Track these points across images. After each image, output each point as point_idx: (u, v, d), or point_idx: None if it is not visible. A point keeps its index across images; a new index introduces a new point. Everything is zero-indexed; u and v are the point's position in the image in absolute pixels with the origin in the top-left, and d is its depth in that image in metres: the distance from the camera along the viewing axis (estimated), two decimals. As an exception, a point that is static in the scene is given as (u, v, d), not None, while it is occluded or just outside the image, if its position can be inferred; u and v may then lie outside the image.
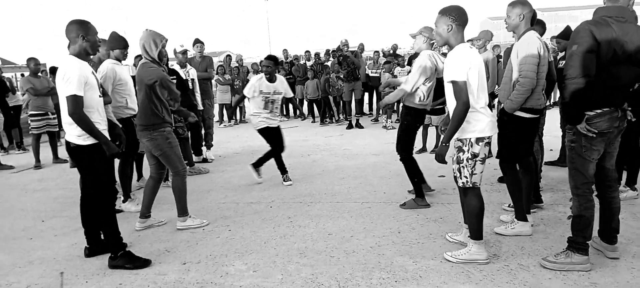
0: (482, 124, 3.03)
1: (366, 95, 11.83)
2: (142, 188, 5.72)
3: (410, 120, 4.45)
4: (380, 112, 10.84)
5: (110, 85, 4.51)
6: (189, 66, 6.69)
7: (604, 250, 3.18)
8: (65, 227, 4.43)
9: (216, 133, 8.11)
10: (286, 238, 3.86)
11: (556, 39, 6.04)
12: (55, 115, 7.70)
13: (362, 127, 9.89)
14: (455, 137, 3.09)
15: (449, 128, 3.03)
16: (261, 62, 5.74)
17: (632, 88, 2.96)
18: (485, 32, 6.50)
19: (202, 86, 7.07)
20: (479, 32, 6.62)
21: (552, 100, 11.23)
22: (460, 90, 2.93)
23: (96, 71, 4.06)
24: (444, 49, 10.18)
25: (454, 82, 2.96)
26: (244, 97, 5.80)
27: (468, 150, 3.06)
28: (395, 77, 10.37)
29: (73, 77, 3.12)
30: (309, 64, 12.22)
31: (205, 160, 7.06)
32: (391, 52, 12.69)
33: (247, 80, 11.47)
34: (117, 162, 4.38)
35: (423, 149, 7.08)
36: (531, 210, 3.86)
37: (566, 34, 4.84)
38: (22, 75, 13.98)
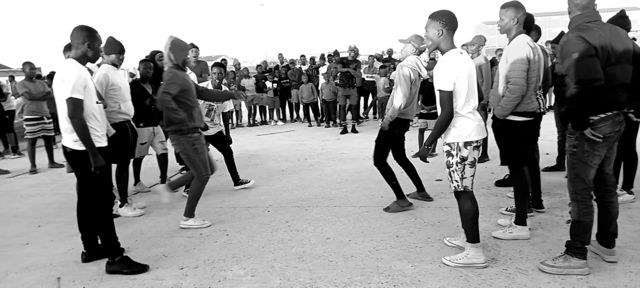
0: (469, 128, 3.07)
1: (361, 99, 11.84)
2: (139, 192, 5.71)
3: (392, 127, 4.45)
4: (376, 115, 10.87)
5: (102, 91, 4.48)
6: (188, 70, 6.68)
7: (602, 254, 3.20)
8: (61, 233, 4.40)
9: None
10: (284, 243, 3.85)
11: (551, 43, 6.09)
12: (51, 120, 7.66)
13: (357, 132, 9.90)
14: (444, 141, 3.15)
15: (432, 133, 3.16)
16: (212, 67, 5.60)
17: (634, 85, 2.99)
18: (478, 37, 6.54)
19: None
20: (473, 36, 6.66)
21: (547, 105, 11.29)
22: (446, 99, 3.01)
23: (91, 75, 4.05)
24: (430, 54, 10.15)
25: (440, 91, 3.03)
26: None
27: (456, 154, 3.09)
28: (392, 81, 10.41)
29: (72, 80, 3.11)
30: (304, 68, 12.23)
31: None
32: (387, 56, 12.73)
33: (242, 86, 11.50)
34: (114, 166, 4.37)
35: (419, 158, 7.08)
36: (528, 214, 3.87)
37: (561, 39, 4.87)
38: (10, 78, 13.80)
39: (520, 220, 3.67)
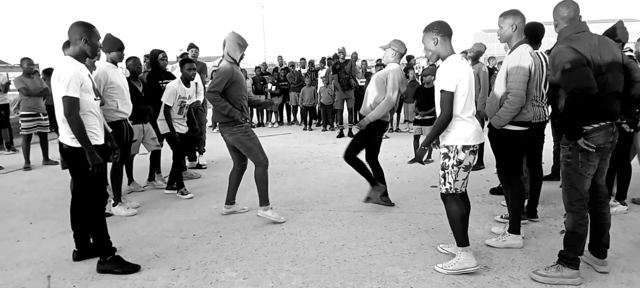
0: (468, 132, 3.09)
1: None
2: (132, 191, 5.69)
3: (371, 128, 4.50)
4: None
5: (100, 88, 4.47)
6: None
7: (594, 264, 3.20)
8: (54, 230, 4.38)
9: (208, 138, 8.07)
10: (277, 246, 3.84)
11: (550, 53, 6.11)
12: (47, 116, 7.63)
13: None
14: (443, 144, 3.15)
15: (430, 133, 3.18)
16: (184, 64, 5.60)
17: (628, 94, 3.02)
18: (478, 44, 6.57)
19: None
20: (472, 44, 6.69)
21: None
22: (446, 100, 3.03)
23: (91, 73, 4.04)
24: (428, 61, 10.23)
25: (442, 91, 3.05)
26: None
27: (454, 157, 3.11)
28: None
29: (68, 78, 3.10)
30: (303, 71, 12.24)
31: (199, 166, 7.02)
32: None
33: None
34: (109, 165, 4.35)
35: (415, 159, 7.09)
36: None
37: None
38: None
39: (514, 229, 3.68)
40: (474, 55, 6.35)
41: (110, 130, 4.05)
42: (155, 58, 6.06)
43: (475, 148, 3.15)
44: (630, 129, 3.57)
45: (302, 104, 11.44)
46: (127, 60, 5.56)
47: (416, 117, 7.31)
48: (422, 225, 4.25)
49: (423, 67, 11.94)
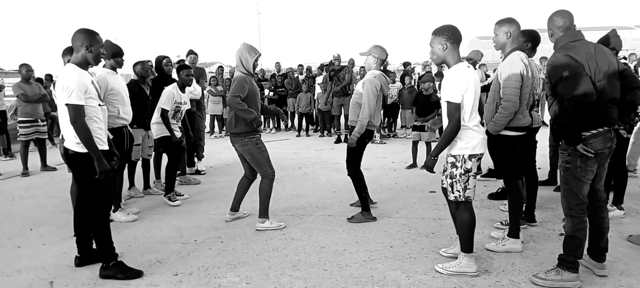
0: (474, 141, 3.12)
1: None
2: (132, 197, 5.69)
3: (362, 136, 4.49)
4: None
5: (101, 95, 4.48)
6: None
7: (593, 268, 3.24)
8: (54, 236, 4.37)
9: (207, 144, 8.09)
10: (279, 251, 3.85)
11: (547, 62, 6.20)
12: (45, 123, 7.63)
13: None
14: (448, 153, 3.18)
15: (439, 144, 3.18)
16: (182, 69, 5.61)
17: (624, 101, 3.07)
18: (475, 52, 6.66)
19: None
20: (469, 51, 6.77)
21: (541, 120, 11.43)
22: (454, 111, 3.05)
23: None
24: (424, 68, 10.27)
25: (448, 102, 3.06)
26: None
27: (461, 166, 3.14)
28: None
29: (72, 86, 3.12)
30: (301, 77, 12.28)
31: (198, 172, 7.03)
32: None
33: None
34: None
35: (413, 165, 7.14)
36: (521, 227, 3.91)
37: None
38: None
39: (513, 233, 3.71)
40: (472, 63, 6.42)
41: (111, 136, 4.06)
42: (160, 64, 6.17)
43: (481, 157, 3.20)
44: (628, 135, 3.63)
45: (298, 111, 11.45)
46: (135, 64, 5.61)
47: (415, 123, 7.36)
48: (422, 229, 4.28)
49: (419, 74, 12.02)
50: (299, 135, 11.24)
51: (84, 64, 3.31)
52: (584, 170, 2.96)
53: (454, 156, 3.16)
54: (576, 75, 2.80)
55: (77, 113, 3.13)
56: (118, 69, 4.80)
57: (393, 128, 11.02)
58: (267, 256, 3.76)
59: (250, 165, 4.46)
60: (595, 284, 3.12)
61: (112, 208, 4.79)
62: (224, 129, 11.94)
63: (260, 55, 4.36)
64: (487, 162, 5.94)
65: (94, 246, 3.54)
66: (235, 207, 4.68)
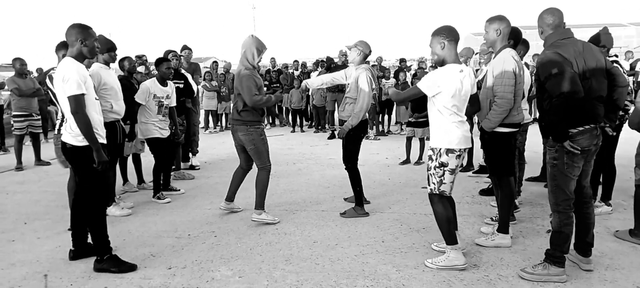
0: (452, 135, 3.20)
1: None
2: (126, 192, 5.71)
3: (357, 131, 4.56)
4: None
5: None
6: (182, 71, 6.76)
7: (579, 263, 3.31)
8: (48, 230, 4.39)
9: (202, 139, 8.11)
10: (272, 245, 3.90)
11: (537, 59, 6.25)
12: (39, 117, 7.62)
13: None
14: (429, 146, 3.33)
15: (401, 94, 3.47)
16: (161, 63, 5.43)
17: (611, 99, 3.13)
18: (467, 49, 6.70)
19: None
20: (461, 48, 6.81)
21: (532, 116, 11.51)
22: (411, 92, 3.37)
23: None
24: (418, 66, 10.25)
25: (415, 87, 3.27)
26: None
27: (436, 159, 3.24)
28: (381, 89, 10.54)
29: (72, 77, 3.15)
30: (296, 73, 12.30)
31: (192, 167, 7.05)
32: (377, 64, 12.86)
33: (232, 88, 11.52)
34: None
35: (407, 161, 7.20)
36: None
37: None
38: None
39: (503, 229, 3.78)
40: (464, 60, 6.47)
41: (104, 130, 4.08)
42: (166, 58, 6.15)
43: (461, 153, 3.25)
44: (613, 132, 3.71)
45: (291, 106, 11.47)
46: (122, 60, 5.60)
47: (410, 119, 7.41)
48: (414, 225, 4.34)
49: (415, 70, 12.06)
50: (293, 131, 11.27)
51: (80, 58, 3.33)
52: (571, 167, 3.02)
53: (432, 149, 3.28)
54: (564, 72, 2.85)
55: (78, 104, 3.17)
56: (111, 64, 4.81)
57: (387, 124, 11.07)
58: (260, 250, 3.80)
59: (247, 156, 4.49)
60: (581, 278, 3.19)
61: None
62: (219, 124, 11.96)
63: (266, 49, 4.37)
64: (478, 158, 6.02)
65: (89, 240, 3.58)
66: (230, 197, 4.71)
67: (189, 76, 6.67)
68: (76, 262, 3.61)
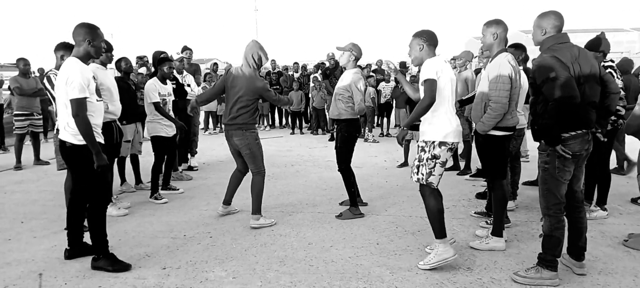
0: (446, 129, 3.27)
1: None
2: (124, 192, 5.73)
3: (351, 131, 4.62)
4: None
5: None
6: (185, 72, 6.79)
7: (572, 267, 3.31)
8: (45, 230, 4.41)
9: (201, 140, 8.13)
10: (266, 247, 3.91)
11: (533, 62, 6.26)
12: (41, 116, 7.67)
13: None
14: (421, 138, 3.36)
15: (411, 116, 3.34)
16: (164, 62, 5.45)
17: (602, 105, 3.15)
18: (466, 52, 6.72)
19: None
20: (461, 52, 6.83)
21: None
22: (428, 88, 3.22)
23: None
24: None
25: (425, 81, 3.24)
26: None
27: (429, 151, 3.30)
28: (379, 91, 10.57)
29: (76, 80, 3.16)
30: (296, 75, 12.32)
31: (191, 168, 7.07)
32: (376, 67, 12.88)
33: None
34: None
35: (405, 164, 7.21)
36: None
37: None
38: None
39: (497, 232, 3.78)
40: (462, 63, 6.49)
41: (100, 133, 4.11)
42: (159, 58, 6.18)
43: (453, 146, 3.31)
44: (604, 138, 3.72)
45: (290, 108, 11.48)
46: (118, 61, 5.62)
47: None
48: (409, 227, 4.35)
49: (413, 75, 12.09)
50: (292, 133, 11.29)
51: (86, 58, 3.35)
52: (562, 171, 3.03)
53: (425, 141, 3.32)
54: (562, 76, 2.86)
55: (80, 107, 3.18)
56: (108, 64, 4.84)
57: (387, 127, 11.09)
58: (254, 251, 3.81)
59: (243, 160, 4.50)
60: (574, 282, 3.19)
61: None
62: (218, 125, 11.98)
63: (268, 60, 4.49)
64: (476, 162, 6.02)
65: (85, 240, 3.59)
66: (227, 201, 4.73)
67: (190, 77, 6.70)
68: (71, 261, 3.63)
